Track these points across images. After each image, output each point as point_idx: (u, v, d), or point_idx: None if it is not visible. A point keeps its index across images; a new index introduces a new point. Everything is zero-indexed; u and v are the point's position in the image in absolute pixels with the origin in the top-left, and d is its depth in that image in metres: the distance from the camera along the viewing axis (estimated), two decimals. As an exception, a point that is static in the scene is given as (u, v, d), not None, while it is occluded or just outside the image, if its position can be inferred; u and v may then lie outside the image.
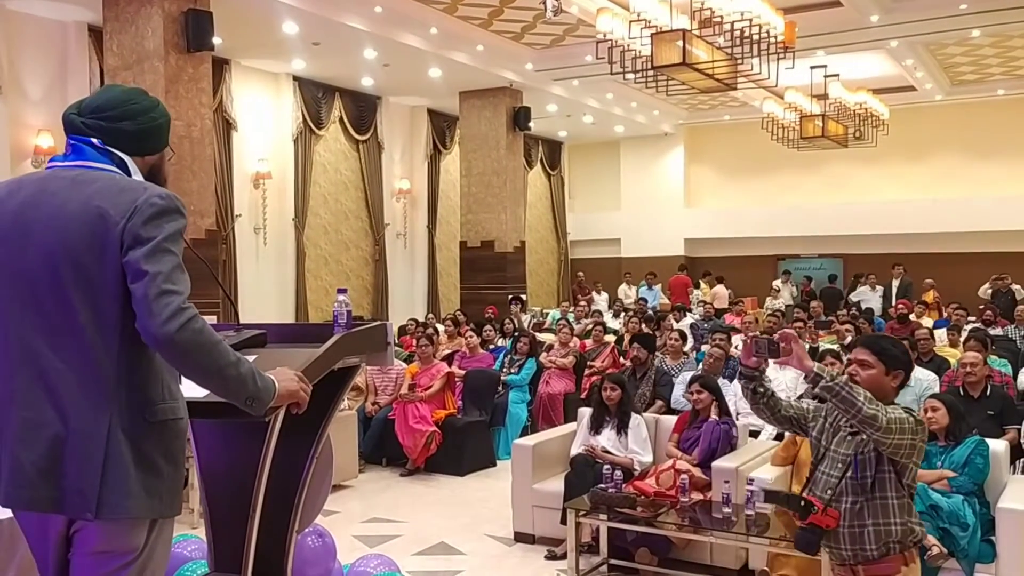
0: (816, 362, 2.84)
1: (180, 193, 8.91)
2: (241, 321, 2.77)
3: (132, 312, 1.88)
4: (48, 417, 1.89)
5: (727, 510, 4.51)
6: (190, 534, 3.77)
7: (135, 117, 2.06)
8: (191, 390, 2.10)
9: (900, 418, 2.79)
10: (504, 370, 8.48)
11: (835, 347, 7.02)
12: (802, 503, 2.91)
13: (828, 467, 2.96)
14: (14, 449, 1.89)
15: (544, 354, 8.79)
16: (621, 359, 8.74)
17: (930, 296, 13.26)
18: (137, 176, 2.06)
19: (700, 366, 7.10)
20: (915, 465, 2.89)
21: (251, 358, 2.30)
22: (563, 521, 4.92)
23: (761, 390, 3.06)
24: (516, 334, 9.24)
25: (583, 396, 8.15)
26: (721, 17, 7.40)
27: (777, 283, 15.94)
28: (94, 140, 2.01)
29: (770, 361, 7.10)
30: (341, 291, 2.58)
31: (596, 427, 5.46)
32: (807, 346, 7.99)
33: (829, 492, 2.91)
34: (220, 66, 11.06)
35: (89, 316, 1.90)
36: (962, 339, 7.71)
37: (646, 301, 14.61)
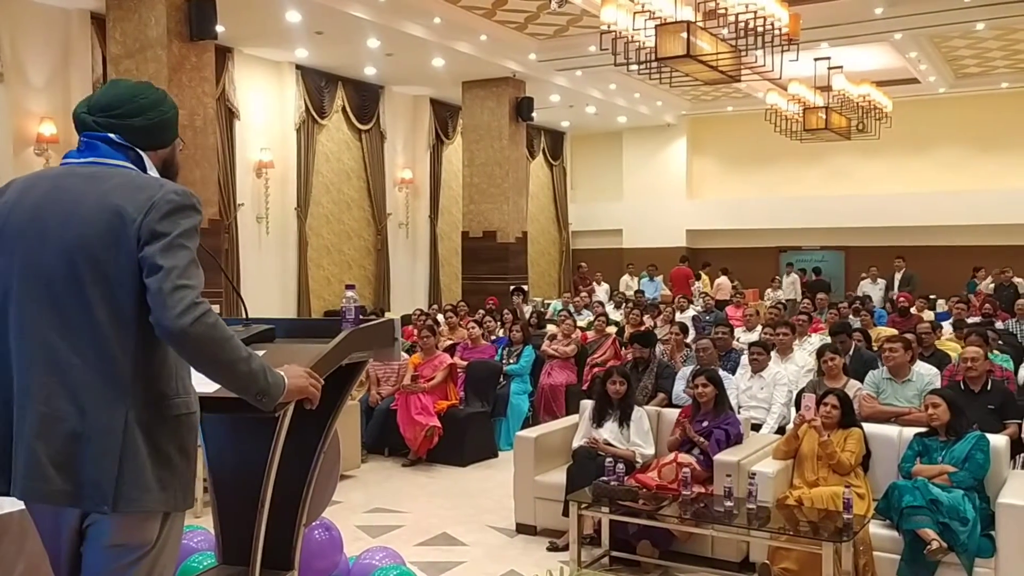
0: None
1: (183, 182, 8.91)
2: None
3: (148, 307, 1.90)
4: (65, 412, 1.90)
5: (729, 503, 4.54)
6: (196, 525, 3.79)
7: (145, 112, 2.07)
8: (201, 385, 2.11)
9: None
10: (504, 361, 8.51)
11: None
12: None
13: None
14: (31, 443, 1.91)
15: (546, 343, 8.81)
16: (622, 350, 8.76)
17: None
18: (152, 170, 2.08)
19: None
20: None
21: (260, 353, 2.32)
22: (565, 513, 4.94)
23: None
24: (505, 323, 9.27)
25: (585, 388, 8.16)
26: (725, 9, 7.38)
27: (790, 277, 15.76)
28: (111, 135, 2.03)
29: (772, 354, 7.07)
30: (349, 287, 2.59)
31: (598, 419, 5.48)
32: (806, 339, 8.00)
33: None
34: (223, 55, 11.04)
35: (106, 312, 1.92)
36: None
37: (643, 293, 14.61)
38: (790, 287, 15.39)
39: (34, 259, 1.95)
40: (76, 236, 1.92)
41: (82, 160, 2.03)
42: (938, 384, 5.75)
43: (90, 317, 1.91)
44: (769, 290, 15.12)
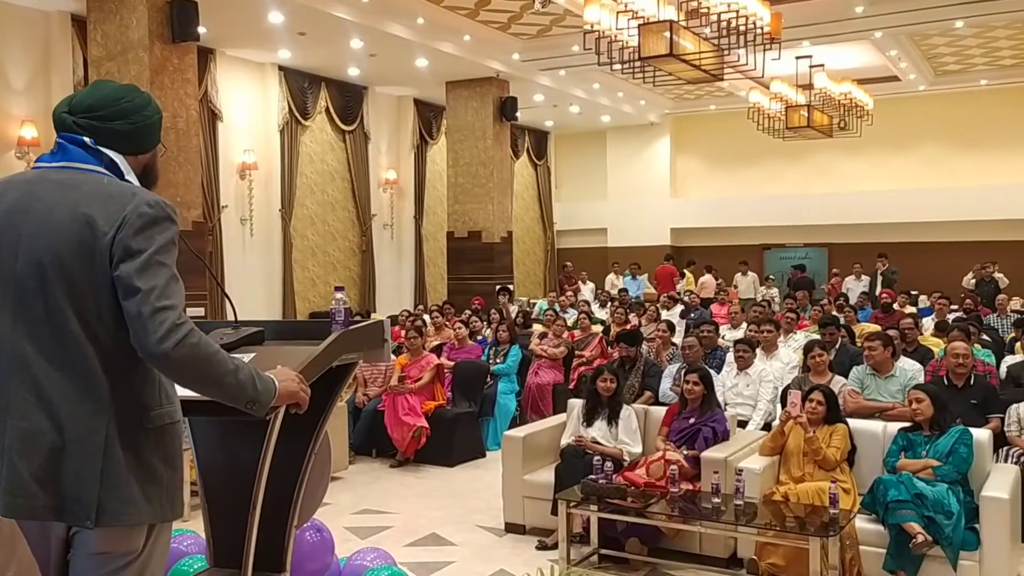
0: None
1: (166, 185, 8.94)
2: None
3: (124, 320, 1.85)
4: (44, 426, 1.86)
5: (716, 500, 4.57)
6: (184, 528, 3.78)
7: (128, 116, 2.01)
8: (189, 390, 2.11)
9: None
10: (491, 360, 8.52)
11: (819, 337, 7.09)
12: None
13: None
14: (12, 459, 1.87)
15: (536, 342, 8.82)
16: (608, 348, 8.79)
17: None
18: (129, 175, 2.01)
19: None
20: None
21: (249, 356, 2.31)
22: (554, 512, 4.96)
23: None
24: (491, 323, 9.27)
25: (571, 387, 8.18)
26: (708, 8, 7.43)
27: (747, 277, 15.86)
28: (85, 139, 1.96)
29: (758, 351, 7.11)
30: (338, 289, 2.59)
31: (588, 419, 5.49)
32: (791, 336, 8.03)
33: None
34: (205, 56, 10.99)
35: (80, 325, 1.87)
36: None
37: (626, 291, 14.65)
38: (748, 287, 15.45)
39: (6, 270, 1.90)
40: (48, 248, 1.87)
41: (55, 165, 1.97)
42: (921, 379, 5.80)
43: (65, 330, 1.87)
44: (763, 287, 15.20)
